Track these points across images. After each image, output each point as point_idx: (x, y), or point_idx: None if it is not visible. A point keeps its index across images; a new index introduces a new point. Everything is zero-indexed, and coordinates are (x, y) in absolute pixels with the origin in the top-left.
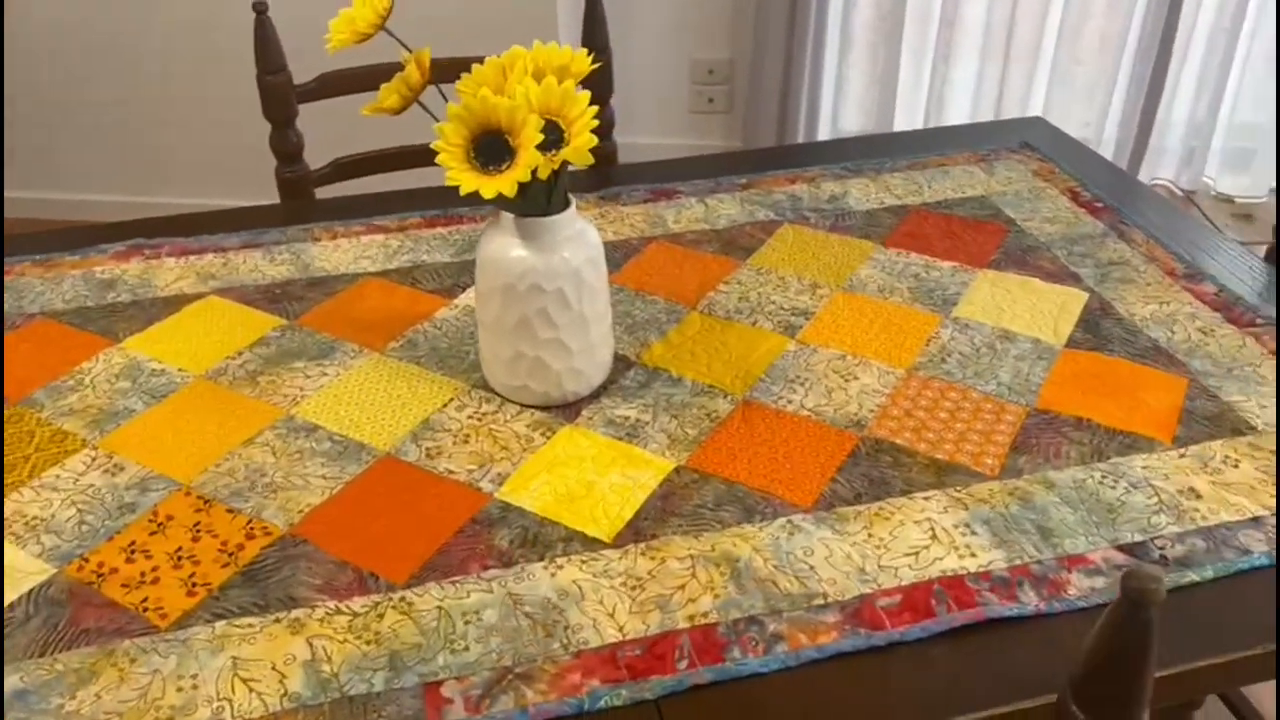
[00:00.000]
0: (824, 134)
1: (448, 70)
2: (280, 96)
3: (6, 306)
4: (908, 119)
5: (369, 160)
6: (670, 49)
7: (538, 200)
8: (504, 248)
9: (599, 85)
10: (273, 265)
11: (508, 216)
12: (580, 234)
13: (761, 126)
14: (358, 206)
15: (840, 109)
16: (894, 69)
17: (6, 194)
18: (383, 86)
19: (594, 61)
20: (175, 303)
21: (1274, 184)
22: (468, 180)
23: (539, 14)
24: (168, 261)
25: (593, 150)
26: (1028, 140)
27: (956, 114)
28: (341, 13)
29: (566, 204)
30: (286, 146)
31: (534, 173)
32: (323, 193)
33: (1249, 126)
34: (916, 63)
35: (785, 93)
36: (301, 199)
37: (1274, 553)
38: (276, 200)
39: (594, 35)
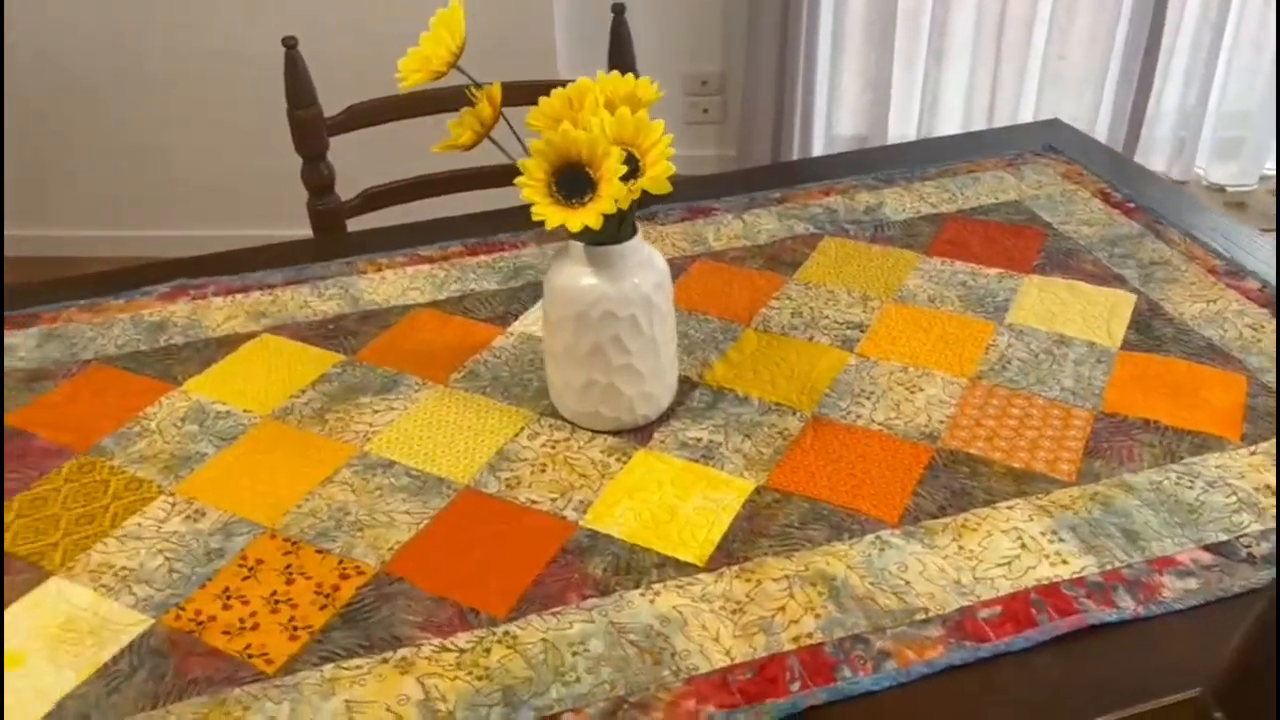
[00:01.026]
0: (819, 140)
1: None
2: (312, 130)
3: (59, 354)
4: (901, 122)
5: (398, 190)
6: (662, 62)
7: (609, 229)
8: (575, 277)
9: None
10: (322, 300)
11: (577, 246)
12: (649, 259)
13: (756, 135)
14: (396, 237)
15: (834, 114)
16: (886, 73)
17: (34, 233)
18: (451, 124)
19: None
20: (229, 343)
21: (1266, 170)
22: (553, 215)
23: (538, 37)
24: (215, 301)
25: None
26: (1051, 143)
27: (949, 114)
28: (412, 51)
29: (634, 231)
30: (319, 179)
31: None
32: (353, 224)
33: (1238, 114)
34: (908, 66)
35: (779, 101)
36: (334, 230)
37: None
38: (301, 226)
39: (622, 55)
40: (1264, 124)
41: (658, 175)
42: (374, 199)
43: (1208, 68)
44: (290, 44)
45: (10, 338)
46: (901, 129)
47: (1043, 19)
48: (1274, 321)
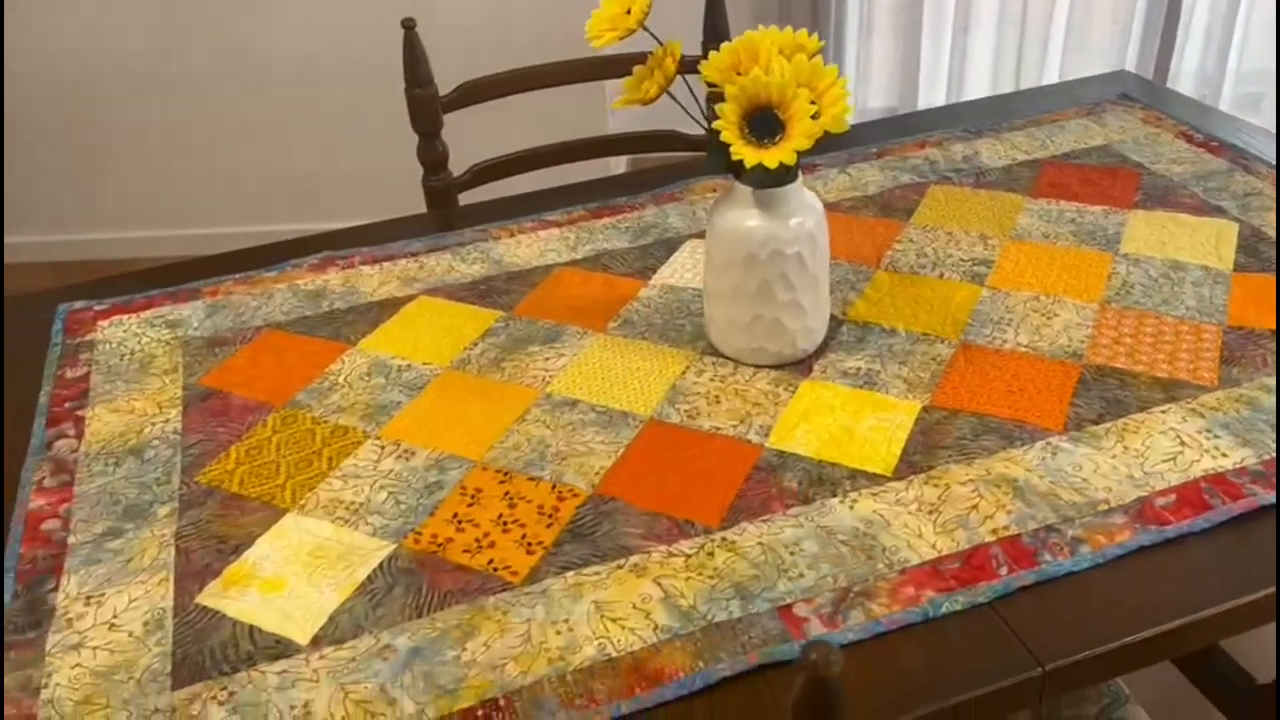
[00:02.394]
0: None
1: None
2: (428, 108)
3: (230, 323)
4: (929, 95)
5: (505, 164)
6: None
7: (777, 173)
8: (742, 218)
9: None
10: (466, 265)
11: (743, 190)
12: (810, 201)
13: None
14: (509, 208)
15: (863, 90)
16: (915, 47)
17: (119, 234)
18: (628, 81)
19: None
20: (389, 305)
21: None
22: (749, 154)
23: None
24: (364, 270)
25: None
26: (1125, 92)
27: (977, 86)
28: (597, 14)
29: (798, 174)
30: (433, 156)
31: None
32: (464, 198)
33: (1256, 72)
34: (935, 40)
35: None
36: (447, 205)
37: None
38: (338, 221)
39: (716, 25)
40: None
41: (838, 114)
42: (482, 174)
43: (1226, 27)
44: (409, 25)
45: (178, 310)
46: (930, 100)
47: None
48: None
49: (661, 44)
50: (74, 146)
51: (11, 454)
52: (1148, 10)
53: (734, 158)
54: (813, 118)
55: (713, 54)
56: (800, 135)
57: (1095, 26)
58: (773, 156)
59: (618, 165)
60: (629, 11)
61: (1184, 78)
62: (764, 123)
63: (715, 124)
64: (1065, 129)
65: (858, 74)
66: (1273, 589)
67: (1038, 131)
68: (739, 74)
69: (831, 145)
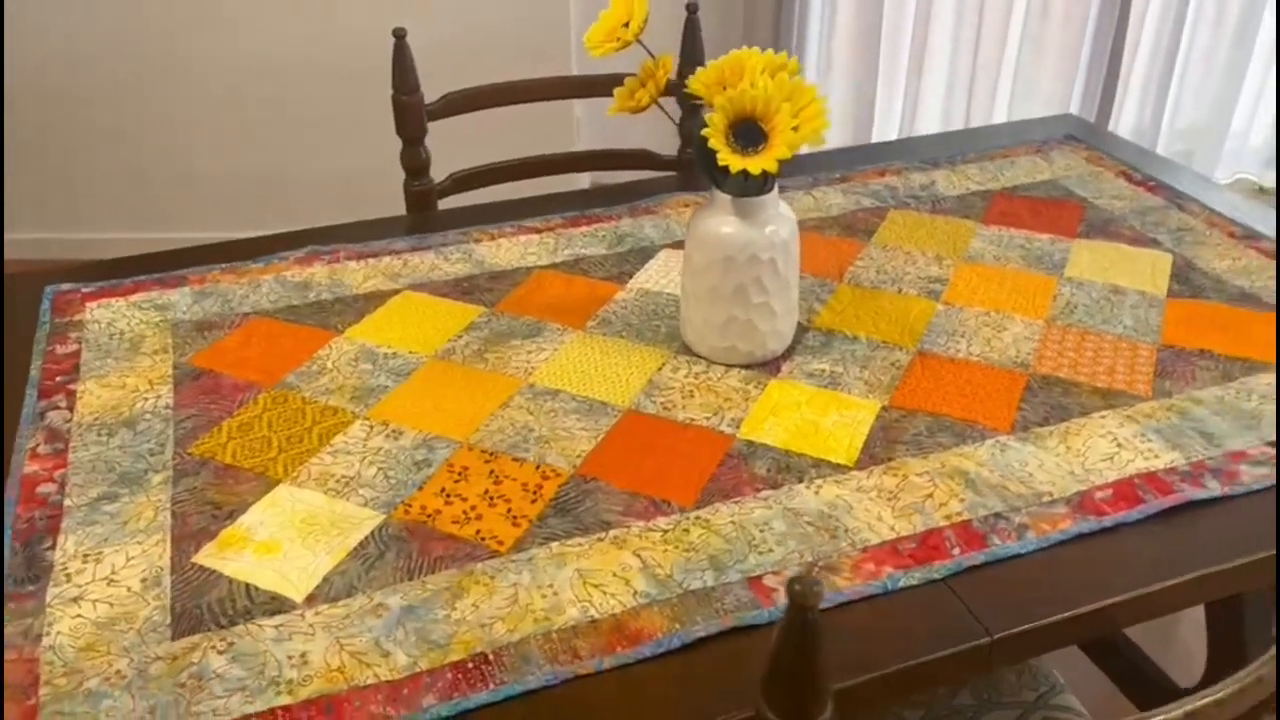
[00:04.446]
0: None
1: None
2: (414, 115)
3: (218, 309)
4: (883, 133)
5: (484, 174)
6: None
7: (755, 182)
8: (721, 224)
9: None
10: (449, 264)
11: (723, 198)
12: (783, 211)
13: None
14: (490, 213)
15: None
16: (870, 87)
17: (103, 235)
18: (620, 91)
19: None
20: (374, 298)
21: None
22: (735, 160)
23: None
24: (349, 264)
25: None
26: (1070, 133)
27: (928, 126)
28: (596, 26)
29: (774, 185)
30: (416, 162)
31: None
32: (442, 205)
33: (1187, 130)
34: (890, 82)
35: None
36: (426, 210)
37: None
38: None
39: (694, 51)
40: (1210, 139)
41: (817, 128)
42: (460, 182)
43: (1162, 85)
44: (399, 34)
45: (165, 295)
46: (884, 137)
47: (1014, 38)
48: None
49: (654, 57)
50: (59, 148)
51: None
52: (1089, 67)
53: (720, 163)
54: (793, 129)
55: (700, 70)
56: (782, 145)
57: (1043, 78)
58: (756, 163)
59: (582, 181)
60: (627, 24)
61: (1121, 132)
62: (748, 133)
63: (704, 132)
64: (1015, 164)
65: None
66: (1195, 574)
67: (989, 165)
68: (724, 89)
69: (797, 170)
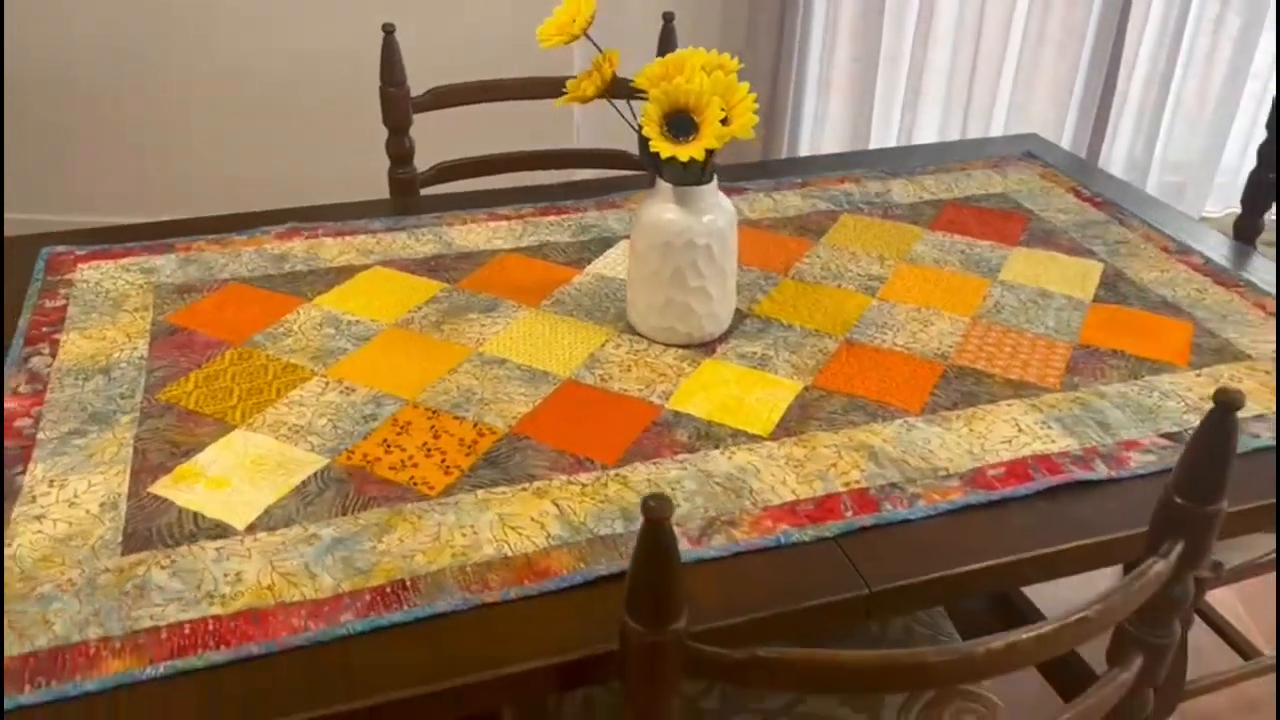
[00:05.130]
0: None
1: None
2: (400, 106)
3: (199, 275)
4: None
5: (467, 165)
6: None
7: (694, 172)
8: (662, 211)
9: None
10: (420, 244)
11: (666, 186)
12: (721, 202)
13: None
14: (466, 202)
15: (818, 139)
16: (868, 110)
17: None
18: (571, 82)
19: None
20: (346, 271)
21: (1205, 212)
22: (665, 148)
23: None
24: (327, 240)
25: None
26: (1029, 150)
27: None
28: (549, 21)
29: (713, 176)
30: (401, 151)
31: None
32: (425, 194)
33: (1179, 163)
34: (887, 106)
35: (767, 139)
36: (410, 197)
37: (1275, 438)
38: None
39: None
40: (1202, 172)
41: (745, 123)
42: (444, 172)
43: (1154, 120)
44: (389, 29)
45: (153, 260)
46: None
47: (1009, 69)
48: (1214, 287)
49: (601, 51)
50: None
51: None
52: (1082, 101)
53: (652, 150)
54: (724, 123)
55: (647, 66)
56: (710, 136)
57: (1036, 109)
58: (685, 151)
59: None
60: (574, 20)
61: (1113, 164)
62: (681, 124)
63: (640, 120)
64: (971, 177)
65: (814, 126)
66: (1069, 545)
67: (946, 177)
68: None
69: (762, 174)
